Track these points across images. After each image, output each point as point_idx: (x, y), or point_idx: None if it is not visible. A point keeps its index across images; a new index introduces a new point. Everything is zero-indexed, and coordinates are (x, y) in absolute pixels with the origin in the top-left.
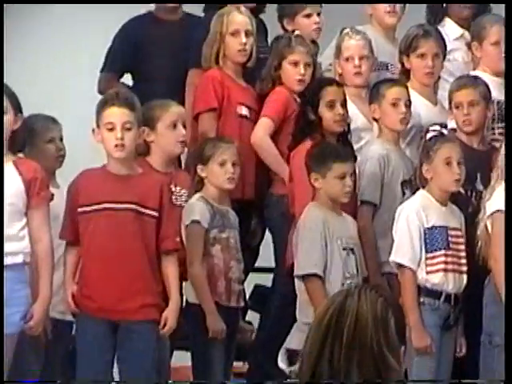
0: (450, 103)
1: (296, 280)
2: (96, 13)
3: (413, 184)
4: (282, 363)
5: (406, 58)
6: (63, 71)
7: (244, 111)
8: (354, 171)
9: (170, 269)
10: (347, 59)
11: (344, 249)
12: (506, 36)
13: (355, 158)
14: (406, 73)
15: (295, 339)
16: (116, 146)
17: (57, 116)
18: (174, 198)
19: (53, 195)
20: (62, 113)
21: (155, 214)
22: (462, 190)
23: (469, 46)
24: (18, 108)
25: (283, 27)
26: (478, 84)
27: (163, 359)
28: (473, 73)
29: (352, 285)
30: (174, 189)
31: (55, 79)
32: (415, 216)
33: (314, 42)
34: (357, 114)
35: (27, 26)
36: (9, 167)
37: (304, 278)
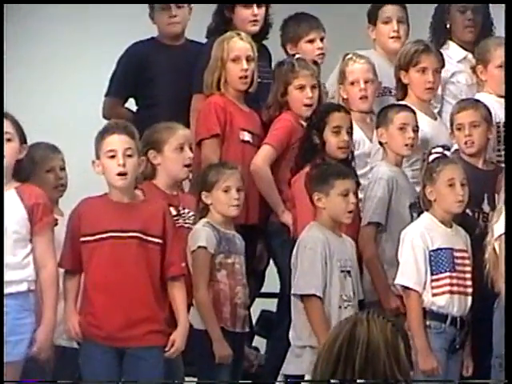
0: (451, 126)
1: (292, 300)
2: (99, 25)
3: (419, 207)
4: None
5: (404, 73)
6: (67, 97)
7: (247, 137)
8: (356, 192)
9: (178, 294)
10: (352, 83)
11: (342, 271)
12: (506, 36)
13: (358, 183)
14: (402, 88)
15: (291, 365)
16: (118, 174)
17: (61, 143)
18: (182, 220)
19: (56, 220)
20: (66, 140)
21: (159, 240)
22: (470, 212)
23: (473, 68)
24: (23, 138)
25: (286, 52)
26: (478, 106)
27: None
28: (478, 95)
29: (351, 306)
30: (182, 211)
31: (58, 104)
32: (419, 239)
33: (315, 62)
34: (363, 140)
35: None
36: (11, 194)
37: (303, 298)
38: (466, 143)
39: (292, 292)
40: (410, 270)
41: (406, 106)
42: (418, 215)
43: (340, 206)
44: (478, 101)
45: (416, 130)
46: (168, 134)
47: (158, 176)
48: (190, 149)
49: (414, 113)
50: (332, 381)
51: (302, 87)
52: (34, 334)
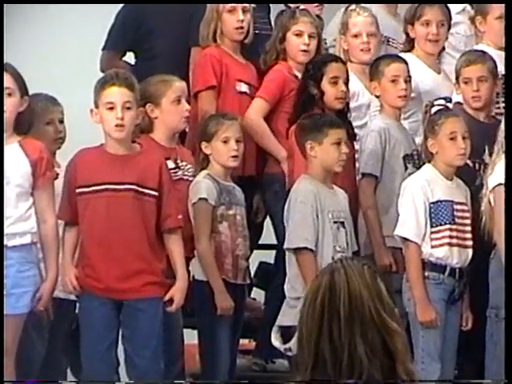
0: (457, 78)
1: (287, 253)
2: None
3: (415, 158)
4: (275, 341)
5: (410, 27)
6: (65, 50)
7: (243, 88)
8: (352, 143)
9: (175, 247)
10: (355, 35)
11: (335, 222)
12: (506, 35)
13: (355, 135)
14: (410, 42)
15: (286, 316)
16: (116, 125)
17: (58, 96)
18: (181, 172)
19: (58, 175)
20: (63, 92)
21: (155, 193)
22: (470, 163)
23: (472, 19)
24: (24, 90)
25: (286, 5)
26: (486, 60)
27: (175, 339)
28: (476, 47)
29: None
30: (180, 163)
31: (57, 59)
32: (420, 190)
33: (319, 17)
34: (362, 90)
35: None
36: (14, 147)
37: (295, 251)
38: (473, 97)
39: (284, 246)
40: (410, 222)
41: (397, 56)
42: (416, 167)
43: (333, 155)
44: (485, 53)
45: (408, 80)
46: (165, 87)
47: (156, 129)
48: (188, 101)
49: (406, 63)
50: None
51: (300, 33)
52: (38, 286)
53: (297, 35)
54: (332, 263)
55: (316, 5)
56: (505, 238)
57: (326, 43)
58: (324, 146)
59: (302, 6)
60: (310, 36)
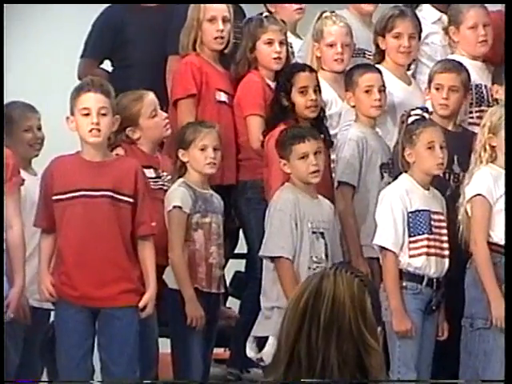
0: (429, 83)
1: (264, 261)
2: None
3: (391, 167)
4: (250, 351)
5: (381, 38)
6: (44, 57)
7: (222, 97)
8: (325, 152)
9: (147, 254)
10: (330, 45)
11: (313, 232)
12: (506, 36)
13: (331, 143)
14: (380, 54)
15: (261, 326)
16: (91, 130)
17: (37, 103)
18: (161, 182)
19: (23, 180)
20: (41, 99)
21: (131, 199)
22: (440, 173)
23: (445, 29)
24: None
25: (269, 11)
26: (461, 70)
27: (150, 346)
28: (451, 57)
29: (321, 268)
30: (161, 173)
31: (36, 66)
32: (399, 200)
33: (283, 21)
34: (335, 99)
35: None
36: None
37: (273, 259)
38: (440, 104)
39: (260, 253)
40: (388, 231)
41: (370, 65)
42: (392, 176)
43: (301, 170)
44: (461, 65)
45: (383, 89)
46: (139, 105)
47: (140, 140)
48: (162, 109)
49: (380, 72)
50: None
51: (270, 42)
52: (6, 292)
53: (267, 44)
54: (325, 269)
55: (295, 9)
56: (505, 238)
57: (291, 47)
58: (291, 162)
59: (266, 13)
60: (280, 43)
